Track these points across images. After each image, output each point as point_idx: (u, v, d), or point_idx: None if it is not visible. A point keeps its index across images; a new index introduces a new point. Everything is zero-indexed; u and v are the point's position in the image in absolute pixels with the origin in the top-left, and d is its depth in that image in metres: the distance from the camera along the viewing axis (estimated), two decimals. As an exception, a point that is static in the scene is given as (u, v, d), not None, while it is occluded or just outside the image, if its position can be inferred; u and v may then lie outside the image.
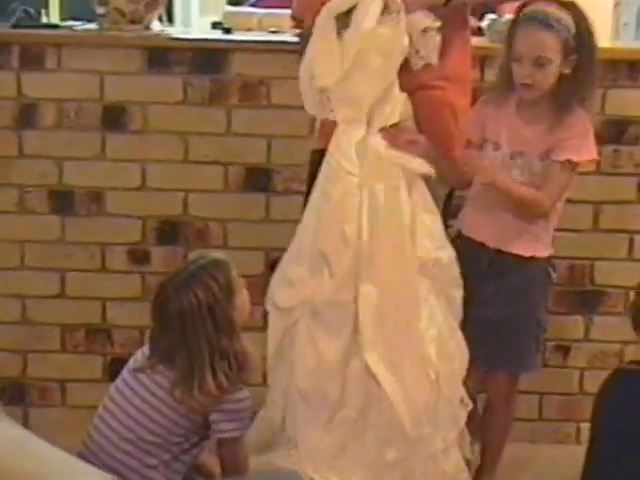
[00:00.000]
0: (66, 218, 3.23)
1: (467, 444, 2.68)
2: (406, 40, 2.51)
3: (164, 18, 3.48)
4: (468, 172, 2.62)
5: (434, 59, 2.57)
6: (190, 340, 2.34)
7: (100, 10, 3.21)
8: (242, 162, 3.19)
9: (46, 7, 3.43)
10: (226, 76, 3.14)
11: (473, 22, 3.01)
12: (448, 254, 2.58)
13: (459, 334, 2.60)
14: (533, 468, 3.13)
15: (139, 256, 3.24)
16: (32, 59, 3.14)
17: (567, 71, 2.53)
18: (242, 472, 2.45)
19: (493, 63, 2.70)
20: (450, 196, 2.81)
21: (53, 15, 3.49)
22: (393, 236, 2.52)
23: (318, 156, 2.66)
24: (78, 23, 3.30)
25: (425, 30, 2.53)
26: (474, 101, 2.76)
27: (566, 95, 2.55)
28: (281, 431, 2.63)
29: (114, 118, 3.16)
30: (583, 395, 3.25)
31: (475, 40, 2.97)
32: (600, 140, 2.75)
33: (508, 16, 2.81)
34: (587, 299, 3.26)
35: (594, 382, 2.54)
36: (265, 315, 2.69)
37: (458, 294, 2.60)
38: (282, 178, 3.19)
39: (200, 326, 2.34)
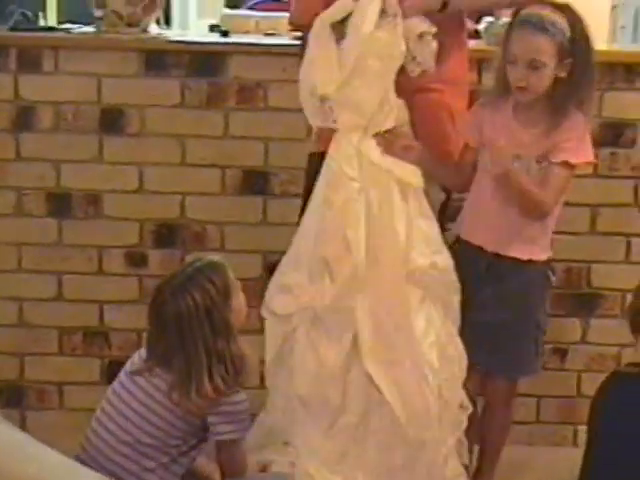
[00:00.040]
0: (63, 221, 3.22)
1: (465, 451, 2.67)
2: (403, 44, 2.50)
3: (162, 21, 3.48)
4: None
5: (431, 65, 2.55)
6: (187, 343, 2.34)
7: (98, 13, 3.21)
8: (239, 165, 3.19)
9: (44, 10, 3.44)
10: (223, 79, 3.14)
11: (470, 25, 3.01)
12: (444, 259, 2.56)
13: (457, 339, 2.59)
14: (531, 471, 3.12)
15: (136, 259, 3.24)
16: (30, 62, 3.13)
17: (563, 74, 2.53)
18: (240, 474, 2.46)
19: (490, 66, 2.70)
20: (447, 200, 2.81)
21: (51, 18, 3.50)
22: (386, 241, 2.51)
23: (316, 159, 2.66)
24: (76, 26, 3.29)
25: (421, 35, 2.51)
26: (471, 104, 2.76)
27: (562, 98, 2.54)
28: (280, 436, 2.63)
29: (112, 121, 3.16)
30: (580, 398, 3.25)
31: (472, 43, 2.98)
32: (597, 143, 2.76)
33: (505, 19, 2.82)
34: (584, 302, 3.26)
35: (591, 385, 2.53)
36: (262, 318, 2.68)
37: (455, 299, 2.59)
38: (279, 181, 3.19)
39: (197, 329, 2.34)
